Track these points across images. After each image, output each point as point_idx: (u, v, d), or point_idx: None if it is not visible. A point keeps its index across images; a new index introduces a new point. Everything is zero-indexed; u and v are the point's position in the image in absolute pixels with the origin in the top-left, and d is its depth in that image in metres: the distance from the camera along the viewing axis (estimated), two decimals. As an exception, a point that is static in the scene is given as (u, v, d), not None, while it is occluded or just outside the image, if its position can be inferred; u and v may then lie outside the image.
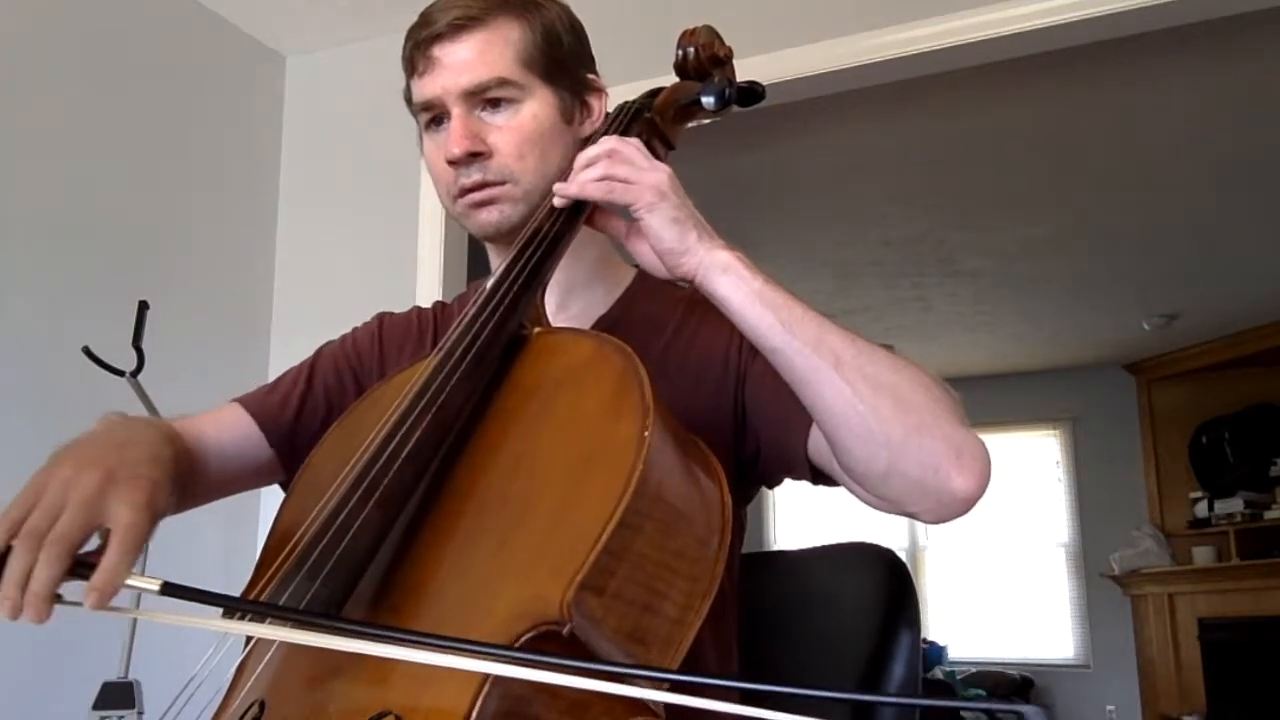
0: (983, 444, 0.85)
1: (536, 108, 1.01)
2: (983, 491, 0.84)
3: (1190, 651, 5.74)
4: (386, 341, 1.15)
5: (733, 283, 0.87)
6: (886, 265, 4.78)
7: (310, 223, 3.02)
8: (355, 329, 1.19)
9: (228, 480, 1.05)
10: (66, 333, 2.32)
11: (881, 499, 0.88)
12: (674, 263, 0.89)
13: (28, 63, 2.42)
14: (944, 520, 0.87)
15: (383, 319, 1.19)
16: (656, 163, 0.91)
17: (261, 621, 0.68)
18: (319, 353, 1.16)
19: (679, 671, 0.64)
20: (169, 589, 0.59)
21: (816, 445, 0.93)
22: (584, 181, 0.91)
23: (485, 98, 1.00)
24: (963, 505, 0.84)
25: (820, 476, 0.96)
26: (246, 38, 3.02)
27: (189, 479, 0.94)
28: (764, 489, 1.07)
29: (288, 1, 2.89)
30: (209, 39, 2.91)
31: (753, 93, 1.08)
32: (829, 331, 0.85)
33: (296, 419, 1.08)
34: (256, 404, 1.09)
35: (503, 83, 0.99)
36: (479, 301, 0.90)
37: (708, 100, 1.07)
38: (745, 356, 0.99)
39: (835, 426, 0.85)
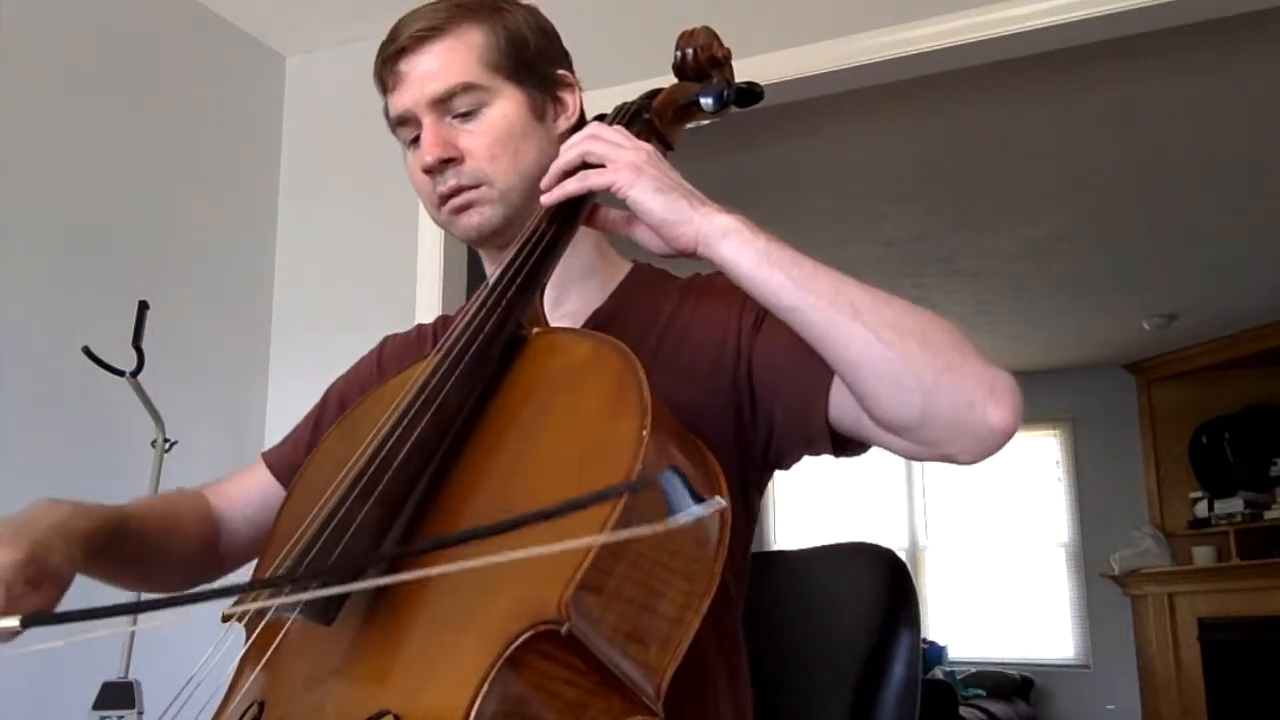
0: (1010, 376, 0.84)
1: (506, 107, 1.02)
2: (1018, 423, 0.83)
3: (1190, 651, 5.73)
4: (386, 360, 1.18)
5: (737, 246, 0.85)
6: (886, 265, 4.78)
7: (310, 223, 3.02)
8: (360, 359, 1.22)
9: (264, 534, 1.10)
10: (66, 333, 2.32)
11: (918, 444, 0.86)
12: (672, 234, 0.87)
13: (27, 63, 2.42)
14: (981, 459, 0.85)
15: (385, 342, 1.22)
16: (637, 141, 0.91)
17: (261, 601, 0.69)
18: (326, 392, 1.20)
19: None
20: (29, 621, 0.60)
21: (839, 408, 0.91)
22: (560, 172, 0.91)
23: (453, 104, 1.00)
24: (1000, 438, 0.83)
25: (842, 446, 0.94)
26: (246, 38, 3.02)
27: (148, 547, 1.01)
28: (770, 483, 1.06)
29: (288, 1, 2.89)
30: (209, 39, 2.91)
31: (751, 93, 1.08)
32: (843, 282, 0.84)
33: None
34: (274, 454, 1.17)
35: (468, 87, 1.00)
36: (478, 302, 0.89)
37: (706, 101, 1.07)
38: (746, 338, 0.97)
39: (864, 377, 0.84)
